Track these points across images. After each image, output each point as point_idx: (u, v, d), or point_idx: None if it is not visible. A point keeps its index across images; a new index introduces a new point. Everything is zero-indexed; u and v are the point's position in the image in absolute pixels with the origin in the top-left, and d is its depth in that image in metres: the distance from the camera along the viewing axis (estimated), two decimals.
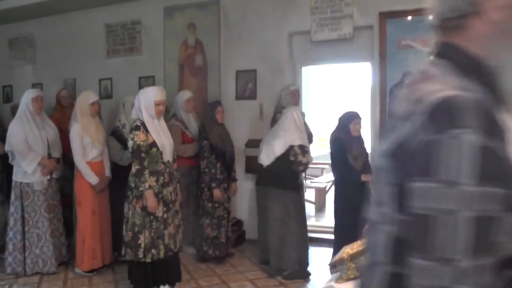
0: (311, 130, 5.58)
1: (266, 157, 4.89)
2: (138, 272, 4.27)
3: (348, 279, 2.14)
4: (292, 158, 4.75)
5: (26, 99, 4.90)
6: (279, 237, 4.79)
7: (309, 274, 4.84)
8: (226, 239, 5.31)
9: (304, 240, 4.89)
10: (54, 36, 7.44)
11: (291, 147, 4.75)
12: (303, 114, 5.07)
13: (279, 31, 5.89)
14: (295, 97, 5.40)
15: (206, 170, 5.14)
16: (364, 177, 4.61)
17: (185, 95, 5.63)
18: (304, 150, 4.78)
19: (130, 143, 4.13)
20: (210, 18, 6.25)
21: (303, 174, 5.53)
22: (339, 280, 2.17)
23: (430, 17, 1.17)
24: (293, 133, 4.80)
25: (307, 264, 4.89)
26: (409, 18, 5.17)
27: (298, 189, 4.90)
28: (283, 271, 4.78)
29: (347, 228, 4.58)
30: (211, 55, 6.29)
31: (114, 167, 5.19)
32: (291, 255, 4.78)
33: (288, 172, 4.78)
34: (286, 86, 5.48)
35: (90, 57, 7.17)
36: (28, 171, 4.78)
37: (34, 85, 7.32)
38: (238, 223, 5.98)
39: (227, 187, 5.31)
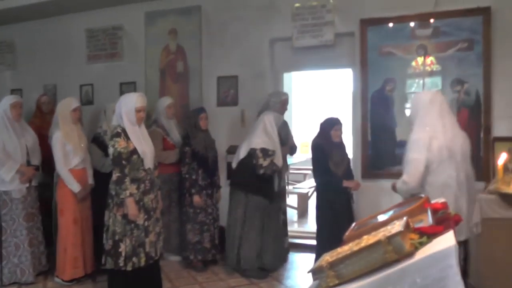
0: (295, 141, 5.63)
1: (234, 161, 5.08)
2: (119, 281, 4.21)
3: (327, 287, 2.13)
4: (254, 161, 4.84)
5: (5, 105, 4.83)
6: (239, 237, 4.96)
7: (266, 275, 4.96)
8: (211, 245, 5.29)
9: (267, 245, 4.99)
10: (34, 41, 7.37)
11: (253, 150, 4.87)
12: (277, 118, 5.07)
13: (261, 37, 5.90)
14: (284, 106, 5.47)
15: (187, 176, 5.13)
16: (346, 183, 4.62)
17: (166, 101, 5.61)
18: (267, 153, 4.84)
19: (110, 150, 4.09)
20: (191, 24, 6.24)
21: (286, 180, 5.56)
22: (318, 287, 2.17)
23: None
24: (258, 137, 4.92)
25: (267, 265, 5.02)
26: (390, 25, 5.21)
27: (264, 194, 4.95)
28: (242, 270, 4.98)
29: (328, 234, 4.59)
30: (192, 61, 6.27)
31: (96, 174, 5.14)
32: (249, 255, 4.92)
33: (250, 176, 4.89)
34: (276, 93, 5.56)
35: (71, 62, 7.11)
36: (6, 179, 4.70)
37: (13, 91, 7.23)
38: (220, 229, 5.94)
39: (211, 193, 5.29)
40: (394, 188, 3.81)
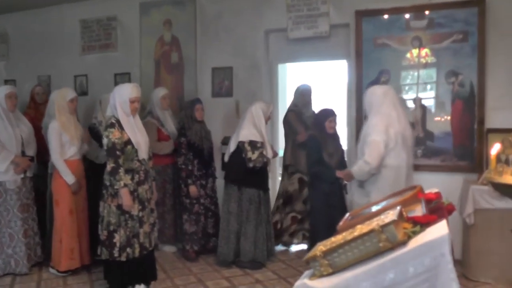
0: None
1: (226, 154, 5.08)
2: (114, 271, 4.23)
3: (321, 276, 2.15)
4: (243, 155, 4.83)
5: None
6: (236, 232, 4.95)
7: (261, 266, 4.96)
8: (203, 235, 5.31)
9: (261, 236, 4.97)
10: (28, 32, 7.32)
11: (242, 143, 4.86)
12: (266, 108, 5.04)
13: (256, 28, 5.88)
14: (303, 97, 5.54)
15: (183, 166, 5.15)
16: (339, 173, 4.64)
17: (161, 92, 5.60)
18: (255, 146, 4.83)
19: (105, 141, 4.09)
20: (186, 15, 6.22)
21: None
22: (312, 277, 2.18)
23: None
24: (245, 129, 4.90)
25: (261, 257, 4.98)
26: (385, 16, 5.21)
27: (257, 186, 4.95)
28: (239, 262, 4.97)
29: (322, 224, 4.61)
30: (187, 52, 6.26)
31: (91, 165, 5.13)
32: (248, 249, 4.91)
33: (241, 169, 4.87)
34: (297, 86, 5.69)
35: (65, 53, 7.07)
36: (0, 169, 4.69)
37: (7, 82, 7.19)
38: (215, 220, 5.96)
39: (205, 184, 5.30)
40: (348, 175, 4.19)
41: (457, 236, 4.57)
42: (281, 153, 5.92)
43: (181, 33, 6.29)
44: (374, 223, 2.12)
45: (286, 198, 5.53)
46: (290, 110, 5.62)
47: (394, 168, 3.86)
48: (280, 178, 5.92)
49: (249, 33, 5.92)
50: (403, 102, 5.02)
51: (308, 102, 5.62)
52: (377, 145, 3.80)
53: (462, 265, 4.54)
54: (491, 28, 4.80)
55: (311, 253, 2.21)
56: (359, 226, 2.23)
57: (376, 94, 4.04)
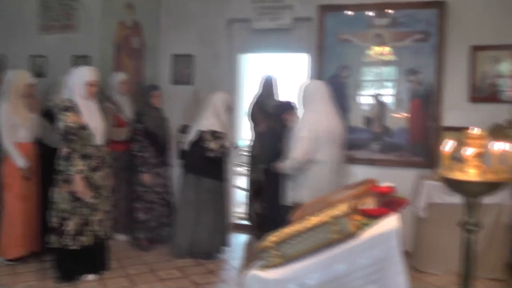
0: None
1: (186, 142, 5.02)
2: (66, 260, 4.14)
3: (272, 266, 2.15)
4: (203, 144, 4.81)
5: None
6: (193, 221, 4.89)
7: (214, 256, 4.96)
8: (157, 224, 5.25)
9: (218, 226, 4.95)
10: None
11: (202, 133, 4.82)
12: (227, 98, 5.03)
13: (219, 17, 5.83)
14: (268, 87, 5.63)
15: (138, 154, 5.07)
16: (274, 166, 4.66)
17: (120, 76, 5.52)
18: (216, 136, 4.81)
19: (59, 124, 3.99)
20: (150, 0, 6.10)
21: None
22: (263, 267, 2.18)
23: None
24: (206, 119, 4.87)
25: (216, 247, 4.99)
26: (349, 12, 5.24)
27: (215, 176, 4.92)
28: (194, 253, 4.91)
29: (275, 215, 4.62)
30: (149, 38, 6.15)
31: (46, 149, 4.98)
32: (203, 238, 4.89)
33: (200, 158, 4.83)
34: (262, 76, 5.75)
35: (22, 32, 6.84)
36: None
37: None
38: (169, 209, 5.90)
39: (161, 172, 5.25)
40: (281, 169, 4.20)
41: (410, 229, 4.67)
42: (241, 143, 5.89)
43: (144, 18, 6.18)
44: (327, 215, 2.13)
45: (257, 188, 5.53)
46: (254, 101, 5.63)
47: (324, 163, 3.93)
48: (238, 169, 5.92)
49: (212, 21, 5.86)
50: (338, 98, 5.09)
51: (271, 93, 5.64)
52: (305, 141, 3.86)
53: (413, 257, 4.65)
54: (450, 30, 4.90)
55: (262, 244, 2.21)
56: (311, 217, 2.24)
57: (310, 89, 4.11)
